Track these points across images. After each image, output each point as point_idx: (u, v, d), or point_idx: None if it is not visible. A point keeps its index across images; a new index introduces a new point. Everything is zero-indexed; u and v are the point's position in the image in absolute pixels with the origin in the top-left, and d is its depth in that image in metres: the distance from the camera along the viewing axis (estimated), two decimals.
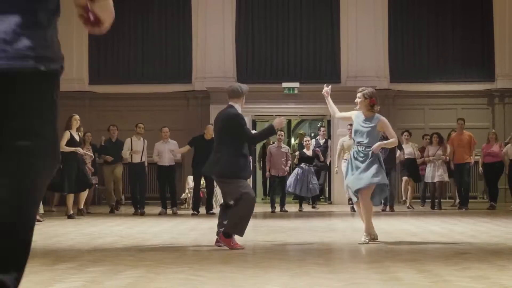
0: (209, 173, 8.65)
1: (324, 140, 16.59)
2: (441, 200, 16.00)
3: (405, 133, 16.17)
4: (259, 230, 10.41)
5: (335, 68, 19.38)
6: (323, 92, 8.90)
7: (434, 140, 15.94)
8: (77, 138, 13.25)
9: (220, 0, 19.28)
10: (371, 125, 8.40)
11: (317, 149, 15.93)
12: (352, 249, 7.95)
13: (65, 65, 2.07)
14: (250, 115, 18.24)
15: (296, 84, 18.63)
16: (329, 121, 18.58)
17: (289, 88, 18.61)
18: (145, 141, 14.95)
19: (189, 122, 18.93)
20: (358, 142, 8.45)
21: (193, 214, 14.34)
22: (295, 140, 20.44)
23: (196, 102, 19.27)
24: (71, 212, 13.20)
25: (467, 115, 16.65)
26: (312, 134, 21.20)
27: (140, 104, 19.04)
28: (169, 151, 14.87)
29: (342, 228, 10.89)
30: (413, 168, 16.06)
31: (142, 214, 14.38)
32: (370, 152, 8.31)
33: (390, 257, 6.94)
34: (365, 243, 8.21)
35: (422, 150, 16.37)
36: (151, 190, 17.54)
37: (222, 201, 8.90)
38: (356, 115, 8.56)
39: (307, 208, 15.84)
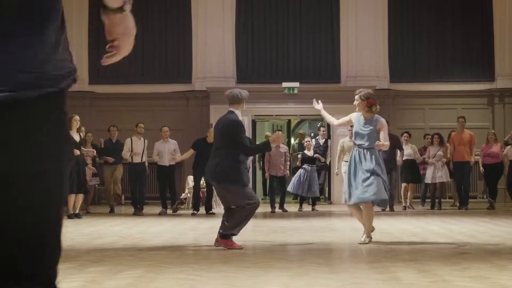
0: (210, 180, 8.68)
1: (324, 140, 16.58)
2: (441, 200, 16.00)
3: (405, 134, 16.14)
4: (259, 230, 10.41)
5: (335, 68, 19.37)
6: (315, 107, 8.88)
7: (435, 141, 15.93)
8: (77, 139, 13.24)
9: (220, 0, 19.28)
10: (371, 128, 8.39)
11: (317, 155, 15.93)
12: (352, 249, 7.95)
13: None
14: (250, 115, 18.24)
15: (296, 84, 18.62)
16: (329, 115, 18.55)
17: (289, 88, 18.60)
18: (146, 141, 14.96)
19: (189, 122, 18.94)
20: (359, 145, 8.44)
21: (192, 214, 14.34)
22: (295, 140, 20.42)
23: (196, 102, 19.27)
24: (71, 212, 13.19)
25: (467, 115, 16.64)
26: (312, 134, 21.19)
27: (140, 104, 19.04)
28: (169, 151, 14.87)
29: (342, 228, 10.89)
30: (413, 169, 16.03)
31: (141, 214, 14.37)
32: (373, 156, 8.30)
33: (390, 257, 6.94)
34: (365, 243, 8.22)
35: (423, 149, 16.37)
36: (151, 190, 17.55)
37: (221, 202, 8.91)
38: (356, 118, 8.55)
39: (307, 208, 15.84)
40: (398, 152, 15.42)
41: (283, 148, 15.77)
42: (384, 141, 8.34)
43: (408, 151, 15.84)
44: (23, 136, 1.80)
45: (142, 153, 14.76)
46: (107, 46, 2.07)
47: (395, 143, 15.22)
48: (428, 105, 19.29)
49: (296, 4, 19.50)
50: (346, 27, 19.30)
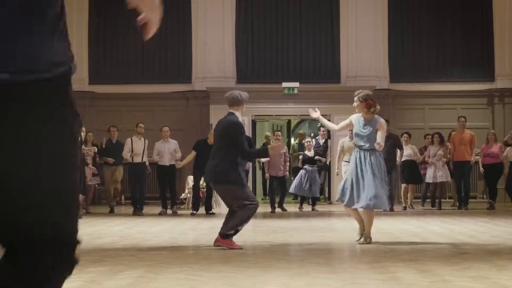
0: (210, 181, 8.70)
1: (324, 140, 16.58)
2: (441, 200, 15.99)
3: (405, 135, 16.11)
4: (259, 230, 10.41)
5: (335, 68, 19.37)
6: (313, 116, 8.85)
7: (435, 140, 15.93)
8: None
9: (220, 0, 19.28)
10: (370, 129, 8.39)
11: (317, 157, 15.94)
12: (352, 249, 7.95)
13: None
14: (250, 115, 18.25)
15: (296, 84, 18.62)
16: (329, 121, 18.55)
17: (289, 88, 18.60)
18: (146, 141, 14.96)
19: (189, 122, 18.95)
20: (360, 146, 8.44)
21: (192, 214, 14.36)
22: (294, 140, 20.42)
23: (196, 102, 19.27)
24: None
25: (467, 115, 16.63)
26: (312, 134, 21.18)
27: (140, 104, 19.05)
28: (169, 151, 14.88)
29: (342, 228, 10.89)
30: (412, 170, 16.02)
31: (141, 214, 14.37)
32: (374, 158, 8.30)
33: (390, 257, 6.95)
34: (363, 243, 8.23)
35: (423, 149, 16.36)
36: (151, 190, 17.55)
37: (221, 202, 8.95)
38: (356, 119, 8.54)
39: (307, 208, 15.84)
40: (398, 152, 15.42)
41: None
42: (379, 141, 8.33)
43: (408, 151, 15.84)
44: (22, 118, 1.86)
45: (143, 153, 14.77)
46: (137, 21, 2.17)
47: (396, 143, 15.24)
48: (428, 105, 19.30)
49: (296, 4, 19.50)
50: (346, 27, 19.30)
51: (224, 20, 19.30)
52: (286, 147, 16.68)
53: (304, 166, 15.64)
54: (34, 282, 1.92)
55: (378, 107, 8.60)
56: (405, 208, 15.63)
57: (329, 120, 18.38)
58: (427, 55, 19.49)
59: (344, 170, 13.31)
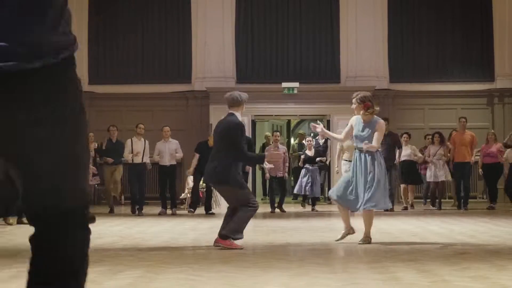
0: (210, 182, 8.71)
1: (323, 140, 16.58)
2: (441, 200, 15.99)
3: (405, 135, 16.10)
4: (259, 230, 10.41)
5: (334, 68, 19.37)
6: (316, 131, 8.82)
7: (435, 140, 15.92)
8: None
9: (220, 0, 19.28)
10: (369, 130, 8.38)
11: (319, 158, 15.94)
12: (352, 249, 7.95)
13: None
14: (249, 115, 18.25)
15: (296, 84, 18.62)
16: (328, 121, 18.57)
17: (288, 88, 18.60)
18: (146, 141, 14.97)
19: (189, 122, 18.95)
20: (360, 148, 8.43)
21: (189, 211, 14.42)
22: (294, 140, 20.43)
23: (195, 102, 19.27)
24: None
25: (466, 115, 16.63)
26: (312, 134, 21.19)
27: (140, 104, 19.05)
28: (170, 150, 14.90)
29: (342, 228, 10.86)
30: (411, 171, 16.01)
31: (141, 214, 14.37)
32: (373, 159, 8.29)
33: (389, 257, 6.94)
34: (362, 243, 8.23)
35: (424, 149, 16.36)
36: (151, 190, 17.55)
37: (221, 202, 8.96)
38: (356, 121, 8.53)
39: (307, 208, 15.85)
40: (397, 151, 15.42)
41: (282, 148, 15.78)
42: (374, 143, 8.30)
43: (408, 151, 15.82)
44: (27, 104, 1.97)
45: (143, 154, 14.79)
46: None
47: (395, 142, 15.25)
48: (428, 105, 19.30)
49: (296, 4, 19.50)
50: (346, 27, 19.30)
51: (224, 20, 19.30)
52: (285, 147, 16.69)
53: (305, 166, 15.64)
54: (58, 241, 2.25)
55: (377, 108, 8.57)
56: (405, 208, 15.63)
57: (328, 120, 18.61)
58: (427, 55, 19.49)
59: (344, 169, 13.31)
